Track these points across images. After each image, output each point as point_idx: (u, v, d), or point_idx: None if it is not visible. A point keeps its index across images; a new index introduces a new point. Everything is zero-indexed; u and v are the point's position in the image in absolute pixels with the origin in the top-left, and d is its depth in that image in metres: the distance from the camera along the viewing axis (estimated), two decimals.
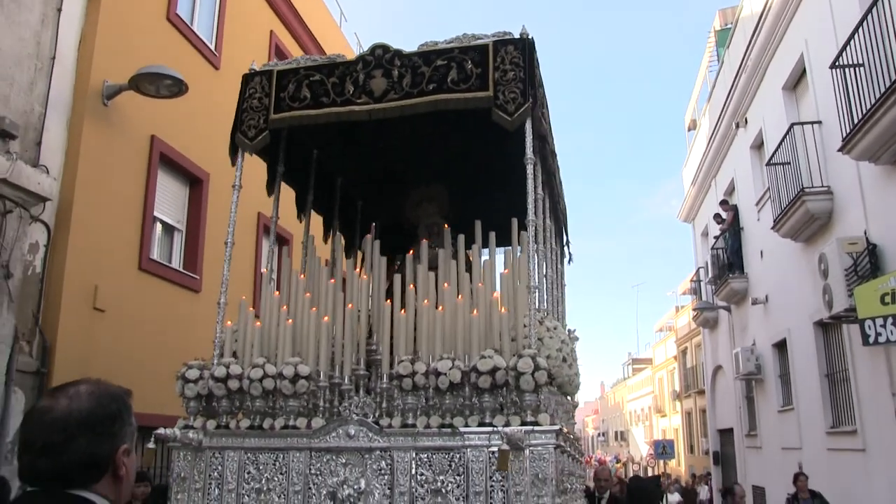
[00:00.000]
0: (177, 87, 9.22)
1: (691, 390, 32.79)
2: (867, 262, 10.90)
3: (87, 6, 9.31)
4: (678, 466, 40.97)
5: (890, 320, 9.10)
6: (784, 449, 16.06)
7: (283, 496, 5.74)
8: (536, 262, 6.54)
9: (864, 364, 11.71)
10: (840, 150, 10.85)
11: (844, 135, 10.57)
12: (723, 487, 20.50)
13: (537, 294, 6.47)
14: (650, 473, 44.68)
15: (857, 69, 10.32)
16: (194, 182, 11.37)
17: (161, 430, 5.93)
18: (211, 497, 5.86)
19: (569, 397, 7.50)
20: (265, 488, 5.75)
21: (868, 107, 9.76)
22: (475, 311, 6.03)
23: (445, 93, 6.21)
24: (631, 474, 47.30)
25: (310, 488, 5.71)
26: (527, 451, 5.31)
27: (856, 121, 10.17)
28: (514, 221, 6.67)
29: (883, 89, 9.32)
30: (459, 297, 6.18)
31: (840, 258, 11.14)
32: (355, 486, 5.54)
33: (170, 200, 10.80)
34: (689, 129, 26.61)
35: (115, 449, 1.91)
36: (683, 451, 39.79)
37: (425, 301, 6.24)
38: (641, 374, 60.68)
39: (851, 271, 11.01)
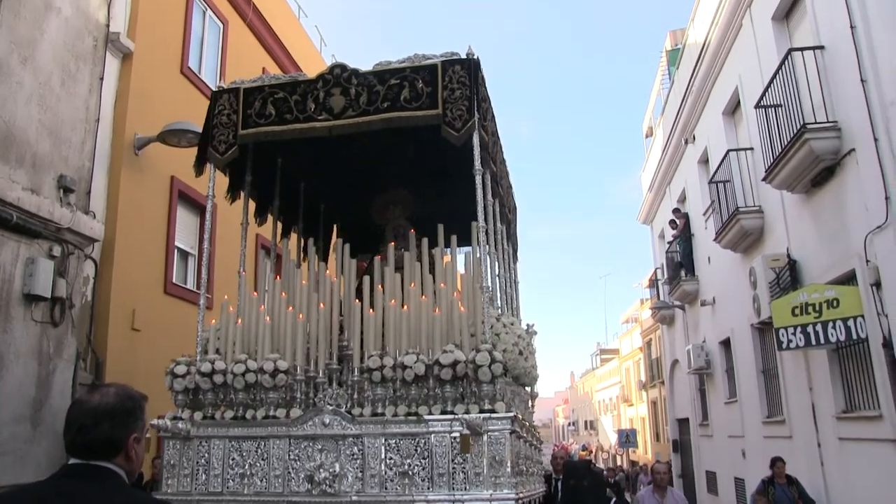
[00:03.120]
0: (196, 139, 10.79)
1: (656, 380, 33.01)
2: (788, 276, 11.91)
3: (120, 71, 10.59)
4: (645, 454, 42.89)
5: (799, 329, 10.25)
6: (730, 437, 16.86)
7: (264, 480, 6.02)
8: (489, 263, 6.83)
9: (788, 363, 12.69)
10: (763, 179, 11.90)
11: (767, 166, 11.56)
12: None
13: (492, 292, 6.82)
14: (618, 462, 46.79)
15: (776, 109, 11.16)
16: (204, 212, 12.91)
17: (154, 421, 6.17)
18: (199, 482, 6.14)
19: (527, 388, 7.84)
20: (248, 473, 6.05)
21: (784, 143, 10.67)
22: (437, 310, 6.31)
23: (399, 110, 6.50)
24: (601, 463, 49.41)
25: (289, 472, 5.99)
26: (485, 437, 5.67)
27: (775, 155, 11.12)
28: (474, 225, 6.82)
29: (796, 130, 10.28)
30: (423, 296, 6.44)
31: (765, 272, 12.34)
32: (331, 470, 5.84)
33: (185, 230, 11.73)
34: (647, 136, 27.32)
35: (128, 436, 2.42)
36: (650, 439, 40.78)
37: (392, 301, 6.47)
38: (609, 364, 60.04)
39: (775, 284, 12.16)
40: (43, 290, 8.59)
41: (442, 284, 6.58)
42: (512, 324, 6.95)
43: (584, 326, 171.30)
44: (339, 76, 6.76)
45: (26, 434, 8.48)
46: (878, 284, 9.35)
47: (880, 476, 9.65)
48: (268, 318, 6.56)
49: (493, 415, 5.74)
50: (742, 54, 14.49)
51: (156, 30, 11.51)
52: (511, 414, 5.84)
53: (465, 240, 7.50)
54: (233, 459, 6.13)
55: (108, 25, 10.32)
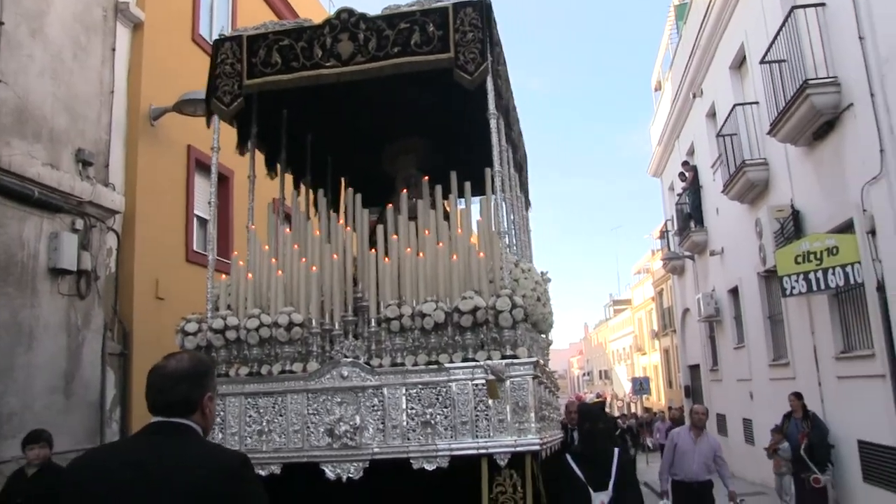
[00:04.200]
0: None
1: (668, 329, 32.90)
2: (791, 226, 12.22)
3: (132, 41, 10.39)
4: (658, 401, 43.30)
5: (802, 276, 10.62)
6: (738, 381, 17.29)
7: (283, 436, 5.72)
8: (505, 209, 6.47)
9: (792, 309, 13.01)
10: (768, 133, 12.07)
11: (771, 120, 11.81)
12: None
13: (507, 239, 6.46)
14: (632, 409, 47.24)
15: (780, 64, 11.36)
16: (221, 180, 11.71)
17: None
18: (215, 440, 5.62)
19: (543, 335, 7.50)
20: (266, 430, 5.76)
21: (788, 98, 10.88)
22: (455, 256, 5.95)
23: (409, 55, 6.12)
24: (615, 411, 49.90)
25: (308, 427, 5.68)
26: (507, 382, 5.40)
27: (779, 110, 11.32)
28: (488, 171, 6.48)
29: (798, 85, 10.48)
30: (440, 243, 6.08)
31: (770, 222, 12.71)
32: (351, 423, 5.56)
33: (204, 198, 11.29)
34: (656, 90, 27.12)
35: (203, 395, 2.64)
36: (663, 386, 40.76)
37: (407, 249, 6.11)
38: (622, 314, 60.08)
39: (779, 233, 12.52)
40: (68, 264, 8.62)
41: (459, 231, 6.27)
42: (529, 270, 6.68)
43: (597, 278, 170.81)
44: (346, 21, 6.37)
45: (60, 405, 8.55)
46: (873, 232, 9.67)
47: (873, 409, 10.04)
48: (280, 272, 6.21)
49: (516, 360, 5.47)
50: (748, 10, 14.47)
51: None
52: (533, 359, 5.57)
53: (476, 190, 7.18)
54: (249, 416, 5.84)
55: None
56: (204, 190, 11.68)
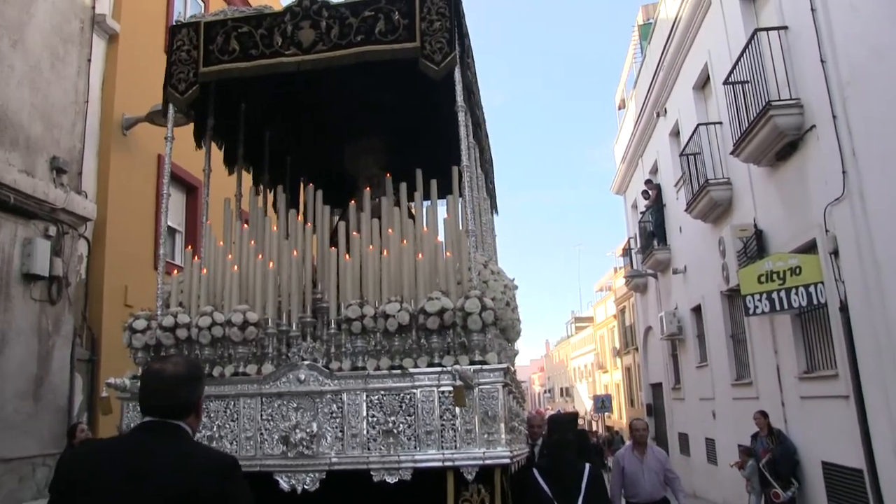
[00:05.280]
0: (184, 119, 11.11)
1: (630, 347, 32.99)
2: (754, 245, 12.17)
3: (107, 52, 10.57)
4: (620, 419, 43.55)
5: (765, 296, 10.57)
6: (701, 399, 17.14)
7: (234, 443, 5.27)
8: (472, 207, 6.16)
9: (755, 328, 12.95)
10: (731, 152, 12.09)
11: (734, 140, 11.85)
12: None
13: (475, 239, 6.09)
14: (594, 427, 47.53)
15: (743, 85, 11.36)
16: (190, 190, 12.28)
17: (111, 380, 5.45)
18: None
19: (510, 343, 7.11)
20: (217, 436, 5.31)
21: (751, 119, 10.95)
22: (420, 255, 5.58)
23: (373, 44, 5.82)
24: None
25: (262, 434, 5.25)
26: (476, 390, 4.99)
27: (742, 130, 11.35)
28: (455, 169, 6.22)
29: (761, 106, 10.58)
30: (404, 241, 5.70)
31: (733, 241, 12.58)
32: (307, 430, 5.16)
33: (173, 208, 11.41)
34: (619, 108, 27.30)
35: (199, 397, 2.72)
36: (624, 404, 40.69)
37: (370, 247, 5.74)
38: (584, 332, 59.60)
39: (742, 252, 12.40)
40: (41, 270, 8.65)
41: (424, 229, 5.91)
42: (499, 272, 6.34)
43: (559, 295, 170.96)
44: (308, 8, 6.06)
45: (29, 409, 8.51)
46: (835, 253, 9.65)
47: (837, 430, 10.00)
48: (235, 268, 5.80)
49: (485, 366, 5.08)
50: (711, 31, 14.48)
51: (140, 10, 11.27)
52: (504, 365, 5.18)
53: (441, 191, 6.82)
54: None
55: (93, 7, 10.20)
56: (173, 199, 11.78)
